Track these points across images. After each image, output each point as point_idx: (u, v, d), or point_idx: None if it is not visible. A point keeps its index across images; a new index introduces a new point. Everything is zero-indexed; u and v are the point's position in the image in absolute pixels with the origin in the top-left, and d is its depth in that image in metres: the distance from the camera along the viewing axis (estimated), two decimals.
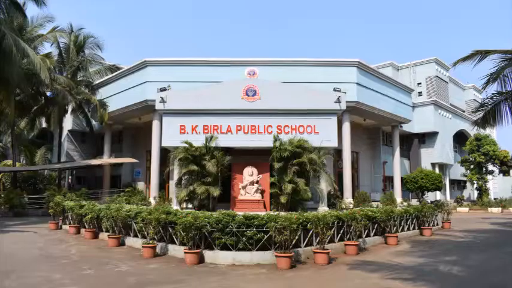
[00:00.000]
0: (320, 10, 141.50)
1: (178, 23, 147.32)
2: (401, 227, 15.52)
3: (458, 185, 46.97)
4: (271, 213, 11.47)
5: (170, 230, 11.42)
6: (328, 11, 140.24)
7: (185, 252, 10.22)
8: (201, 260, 10.23)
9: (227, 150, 20.05)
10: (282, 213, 11.30)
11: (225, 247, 10.30)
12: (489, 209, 33.24)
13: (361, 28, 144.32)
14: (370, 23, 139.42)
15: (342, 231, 12.19)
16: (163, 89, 20.97)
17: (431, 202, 23.95)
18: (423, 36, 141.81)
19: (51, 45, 29.02)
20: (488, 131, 37.41)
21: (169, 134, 20.67)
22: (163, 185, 26.19)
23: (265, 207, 19.68)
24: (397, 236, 14.17)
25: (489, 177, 39.05)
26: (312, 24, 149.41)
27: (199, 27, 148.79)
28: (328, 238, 10.95)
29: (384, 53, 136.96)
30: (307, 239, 11.00)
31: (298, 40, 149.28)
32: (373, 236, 13.73)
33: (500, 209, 32.96)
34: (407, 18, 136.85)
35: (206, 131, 20.28)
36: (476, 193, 40.45)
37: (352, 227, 12.25)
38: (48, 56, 28.44)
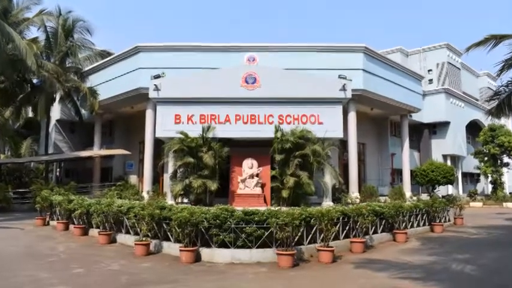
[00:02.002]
0: None
1: (178, 23, 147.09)
2: (410, 223, 15.51)
3: (471, 178, 46.91)
4: (272, 208, 11.45)
5: (165, 226, 11.40)
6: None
7: (181, 250, 10.20)
8: (197, 258, 10.21)
9: (225, 142, 20.01)
10: (284, 209, 11.28)
11: (223, 244, 10.28)
12: (504, 204, 33.25)
13: (367, 11, 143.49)
14: (377, 5, 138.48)
15: (347, 227, 12.16)
16: (157, 76, 20.88)
17: (443, 196, 23.98)
18: (434, 19, 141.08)
19: (38, 29, 28.86)
20: (503, 121, 37.24)
21: (163, 124, 20.61)
22: (157, 179, 26.15)
23: (265, 201, 19.69)
24: (406, 233, 14.17)
25: (504, 170, 38.98)
26: (313, 13, 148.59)
27: (199, 27, 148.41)
28: (333, 235, 10.95)
29: (392, 38, 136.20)
30: (310, 235, 10.97)
31: (300, 31, 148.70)
32: (381, 232, 13.72)
33: None
34: (416, 1, 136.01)
35: (203, 120, 20.22)
36: (490, 187, 40.46)
37: (358, 223, 12.22)
38: (34, 40, 28.26)
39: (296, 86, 20.61)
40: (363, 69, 23.88)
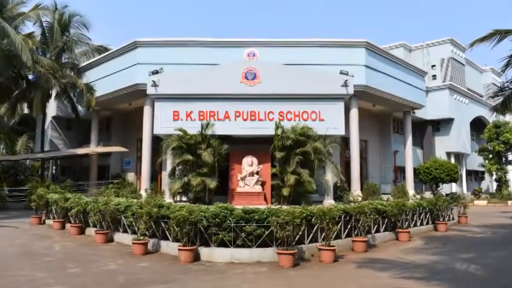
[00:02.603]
0: None
1: (177, 20, 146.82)
2: (413, 222, 15.49)
3: (475, 176, 46.95)
4: (273, 206, 11.43)
5: (163, 225, 11.39)
6: None
7: (179, 249, 10.19)
8: (196, 257, 10.21)
9: (225, 139, 19.95)
10: (284, 207, 11.25)
11: (222, 244, 10.27)
12: (509, 202, 33.29)
13: (368, 10, 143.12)
14: (378, 4, 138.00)
15: (349, 226, 12.15)
16: (155, 72, 20.82)
17: (447, 195, 23.96)
18: (437, 14, 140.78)
19: (34, 24, 28.75)
20: (508, 117, 37.20)
21: (161, 120, 20.56)
22: (155, 176, 26.14)
23: (265, 200, 19.66)
24: (409, 232, 14.15)
25: (509, 167, 39.02)
26: (313, 12, 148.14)
27: (198, 25, 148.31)
28: (335, 234, 10.93)
29: (395, 33, 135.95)
30: (311, 234, 10.95)
31: (300, 25, 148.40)
32: (383, 231, 13.71)
33: None
34: None
35: (202, 117, 20.16)
36: (495, 185, 40.45)
37: (360, 222, 12.20)
38: (30, 36, 28.16)
39: (297, 82, 20.56)
40: (365, 65, 23.87)
